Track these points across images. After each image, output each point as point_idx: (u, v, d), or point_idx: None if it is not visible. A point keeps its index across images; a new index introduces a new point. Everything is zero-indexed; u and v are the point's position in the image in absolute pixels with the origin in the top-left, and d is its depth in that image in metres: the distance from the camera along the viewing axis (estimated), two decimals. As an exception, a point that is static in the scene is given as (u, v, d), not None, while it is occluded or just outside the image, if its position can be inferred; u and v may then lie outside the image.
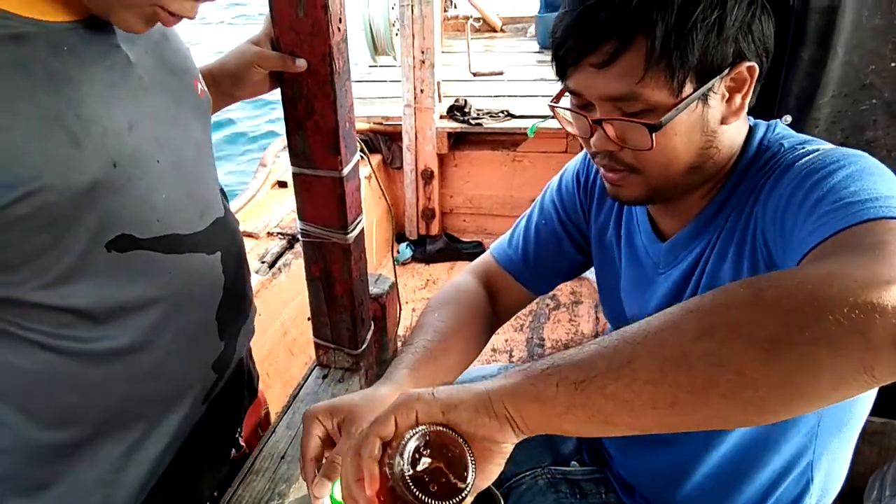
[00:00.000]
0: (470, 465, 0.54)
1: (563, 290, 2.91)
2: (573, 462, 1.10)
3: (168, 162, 0.76)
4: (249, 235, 2.28)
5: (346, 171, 1.05)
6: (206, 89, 0.87)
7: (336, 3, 0.96)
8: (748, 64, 0.70)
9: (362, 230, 1.15)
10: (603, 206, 0.97)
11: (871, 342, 0.42)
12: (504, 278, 1.06)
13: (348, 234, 1.10)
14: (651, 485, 0.98)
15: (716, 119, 0.72)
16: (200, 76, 0.87)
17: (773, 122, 0.81)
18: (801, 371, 0.43)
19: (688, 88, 0.68)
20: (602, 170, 0.79)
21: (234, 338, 0.93)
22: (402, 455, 0.53)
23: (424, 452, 0.54)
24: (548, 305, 2.85)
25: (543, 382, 0.52)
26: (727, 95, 0.72)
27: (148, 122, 0.73)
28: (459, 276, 1.10)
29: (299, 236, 1.15)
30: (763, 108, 1.28)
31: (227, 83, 0.98)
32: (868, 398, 0.83)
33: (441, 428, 0.54)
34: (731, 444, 0.85)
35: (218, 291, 0.87)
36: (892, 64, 1.20)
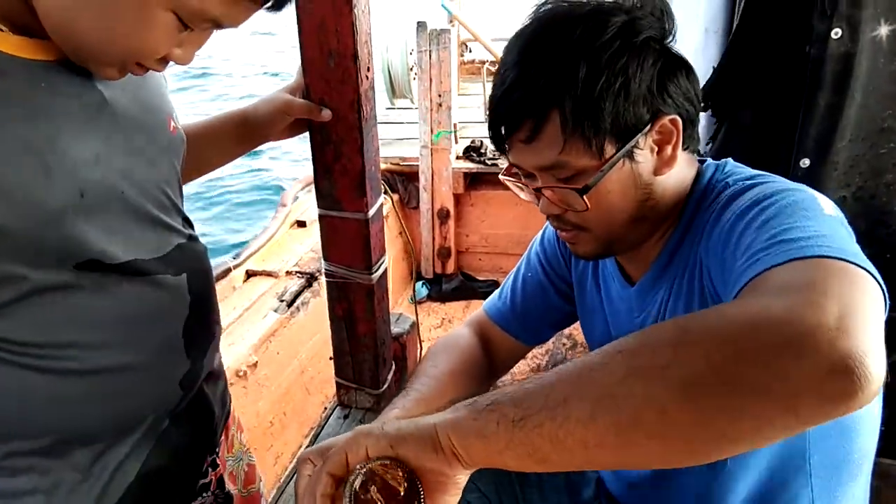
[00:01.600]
0: (419, 499, 0.55)
1: (580, 329, 2.89)
2: None
3: (132, 193, 0.80)
4: (269, 274, 2.31)
5: (371, 212, 1.07)
6: (179, 126, 0.92)
7: (364, 52, 1.00)
8: (669, 117, 0.74)
9: (385, 270, 1.17)
10: None
11: (792, 385, 0.42)
12: (495, 331, 1.08)
13: (372, 274, 1.11)
14: None
15: (648, 171, 0.76)
16: (175, 114, 0.92)
17: (723, 161, 0.83)
18: (723, 413, 0.44)
19: (609, 150, 0.72)
20: (557, 230, 0.84)
21: (200, 356, 0.95)
22: (346, 492, 0.54)
23: (370, 488, 0.55)
24: (564, 345, 2.84)
25: (485, 419, 0.52)
26: (656, 148, 0.76)
27: (115, 155, 0.78)
28: (458, 328, 1.12)
29: (322, 276, 1.17)
30: (781, 154, 1.30)
31: (259, 126, 1.02)
32: (868, 437, 0.82)
33: (388, 462, 0.55)
34: (743, 492, 0.84)
35: (184, 311, 0.89)
36: (909, 108, 1.21)
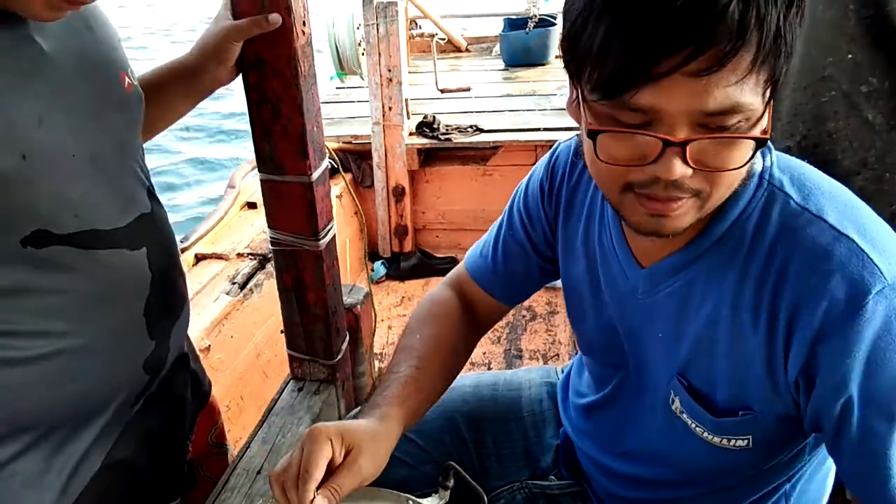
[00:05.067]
0: None
1: (539, 301, 2.90)
2: (551, 476, 1.07)
3: (85, 156, 0.75)
4: (219, 257, 2.25)
5: (315, 175, 1.04)
6: (135, 83, 0.85)
7: (299, 6, 0.95)
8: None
9: (334, 237, 1.14)
10: (570, 218, 0.93)
11: None
12: (476, 289, 1.05)
13: (320, 240, 1.08)
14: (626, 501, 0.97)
15: None
16: (130, 70, 0.85)
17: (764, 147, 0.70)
18: None
19: (769, 90, 0.58)
20: (643, 201, 0.64)
21: (165, 337, 0.90)
22: None
23: None
24: (524, 317, 2.85)
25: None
26: None
27: (62, 115, 0.72)
28: (436, 288, 1.09)
29: (269, 245, 1.13)
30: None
31: (208, 71, 0.96)
32: None
33: None
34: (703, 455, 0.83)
35: (144, 288, 0.84)
36: (849, 56, 1.23)
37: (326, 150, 1.10)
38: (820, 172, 0.73)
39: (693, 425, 0.78)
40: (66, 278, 0.74)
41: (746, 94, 0.55)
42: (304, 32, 0.96)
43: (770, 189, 0.70)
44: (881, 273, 0.62)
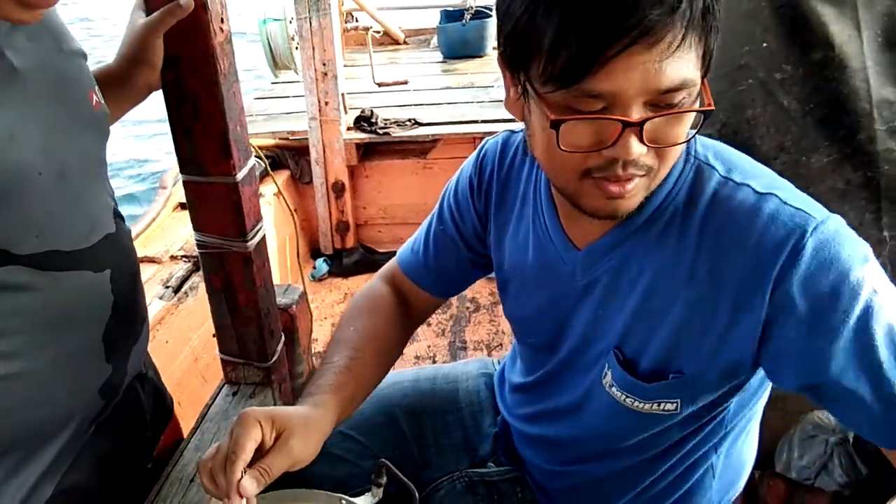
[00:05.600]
0: None
1: (482, 292, 2.92)
2: (489, 463, 1.10)
3: (51, 175, 0.72)
4: (151, 260, 2.18)
5: (240, 175, 1.01)
6: (102, 101, 0.83)
7: (216, 2, 0.93)
8: None
9: (264, 237, 1.11)
10: (502, 210, 0.94)
11: None
12: (409, 284, 1.06)
13: (248, 241, 1.06)
14: (558, 483, 0.99)
15: None
16: (97, 87, 0.83)
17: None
18: None
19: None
20: (601, 184, 0.67)
21: (123, 360, 0.87)
22: None
23: None
24: (468, 308, 2.86)
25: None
26: None
27: (33, 132, 0.69)
28: (370, 282, 1.09)
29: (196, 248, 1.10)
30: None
31: (138, 71, 0.92)
32: (766, 386, 0.86)
33: None
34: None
35: (105, 311, 0.82)
36: (764, 44, 1.27)
37: (252, 150, 1.07)
38: (736, 150, 0.78)
39: (622, 397, 0.80)
40: (24, 300, 0.70)
41: (690, 70, 0.60)
42: (222, 30, 0.94)
43: (696, 164, 0.74)
44: (808, 214, 0.67)
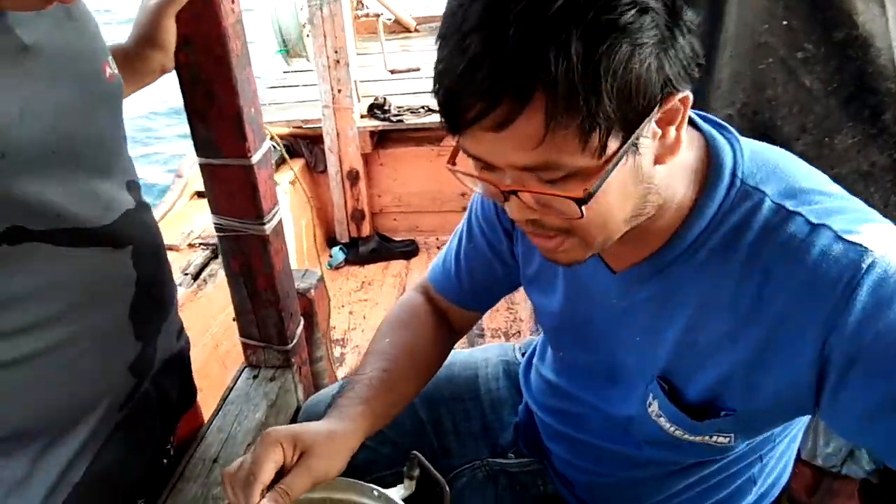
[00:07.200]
0: None
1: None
2: (510, 454, 1.08)
3: (66, 152, 0.72)
4: (170, 248, 2.19)
5: (255, 158, 1.01)
6: (116, 72, 0.82)
7: (229, -17, 0.93)
8: (681, 95, 0.58)
9: (280, 221, 1.12)
10: None
11: None
12: (443, 301, 1.03)
13: (265, 224, 1.06)
14: (585, 479, 0.97)
15: (649, 163, 0.61)
16: (111, 59, 0.82)
17: (730, 135, 0.70)
18: None
19: (613, 144, 0.56)
20: (530, 235, 0.67)
21: (153, 338, 0.88)
22: None
23: None
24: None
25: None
26: (658, 132, 0.60)
27: (44, 110, 0.69)
28: (407, 294, 1.06)
29: (214, 232, 1.10)
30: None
31: (150, 52, 0.92)
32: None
33: None
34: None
35: (130, 288, 0.81)
36: (784, 22, 1.25)
37: (267, 133, 1.07)
38: (788, 157, 0.71)
39: (671, 428, 0.76)
40: (44, 277, 0.71)
41: (558, 153, 0.55)
42: (233, 10, 0.94)
43: (743, 189, 0.67)
44: (865, 248, 0.61)
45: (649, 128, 0.58)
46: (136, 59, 0.93)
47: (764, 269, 0.65)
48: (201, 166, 1.03)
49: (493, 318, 2.72)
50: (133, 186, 0.85)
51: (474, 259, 0.97)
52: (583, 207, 0.58)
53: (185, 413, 1.09)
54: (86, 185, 0.75)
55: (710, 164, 0.68)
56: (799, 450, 1.45)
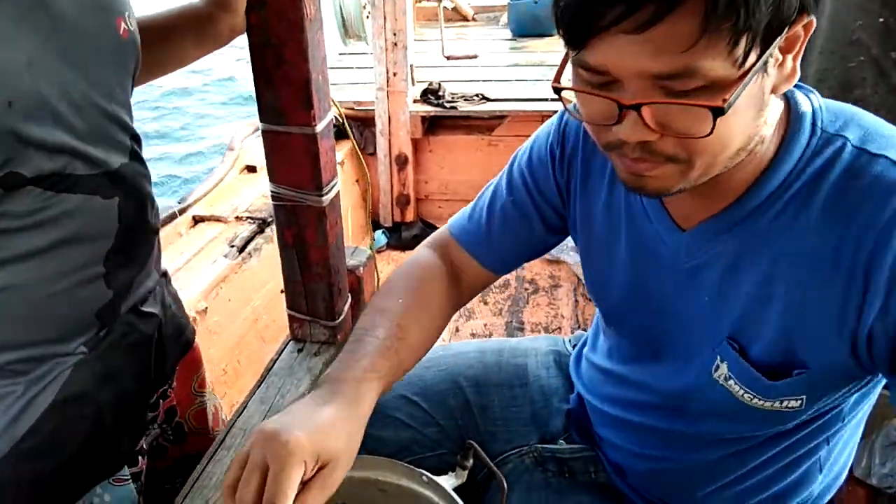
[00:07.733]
0: None
1: (542, 273, 2.87)
2: (560, 441, 1.04)
3: (71, 103, 0.73)
4: (218, 220, 2.20)
5: (319, 127, 0.99)
6: (130, 28, 0.82)
7: (305, -56, 0.90)
8: (806, 20, 0.57)
9: (338, 194, 1.09)
10: (588, 183, 0.86)
11: None
12: (462, 255, 0.97)
13: (323, 195, 1.04)
14: (638, 466, 0.93)
15: (768, 88, 0.60)
16: (129, 14, 0.82)
17: (806, 88, 0.69)
18: None
19: (752, 56, 0.54)
20: (623, 160, 0.64)
21: (125, 289, 0.89)
22: None
23: None
24: (526, 290, 2.81)
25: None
26: (780, 59, 0.59)
27: (52, 60, 0.71)
28: (419, 250, 1.00)
29: (269, 210, 1.08)
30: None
31: (222, 14, 0.92)
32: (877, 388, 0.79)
33: None
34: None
35: (109, 237, 0.83)
36: (881, 19, 1.17)
37: (332, 103, 1.05)
38: (862, 110, 0.70)
39: (741, 392, 0.73)
40: (32, 218, 0.73)
41: (703, 58, 0.53)
42: (310, -28, 0.91)
43: (824, 136, 0.66)
44: None
45: (776, 51, 0.57)
46: (205, 21, 0.92)
47: (848, 214, 0.64)
48: (263, 133, 1.01)
49: (533, 313, 2.67)
50: (132, 143, 0.86)
51: (511, 212, 0.93)
52: (717, 121, 0.55)
53: (182, 359, 1.07)
54: (87, 136, 0.77)
55: (789, 117, 0.68)
56: (852, 467, 1.39)
